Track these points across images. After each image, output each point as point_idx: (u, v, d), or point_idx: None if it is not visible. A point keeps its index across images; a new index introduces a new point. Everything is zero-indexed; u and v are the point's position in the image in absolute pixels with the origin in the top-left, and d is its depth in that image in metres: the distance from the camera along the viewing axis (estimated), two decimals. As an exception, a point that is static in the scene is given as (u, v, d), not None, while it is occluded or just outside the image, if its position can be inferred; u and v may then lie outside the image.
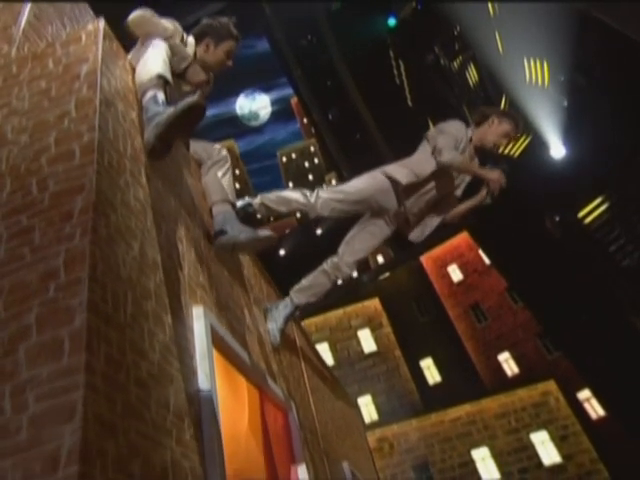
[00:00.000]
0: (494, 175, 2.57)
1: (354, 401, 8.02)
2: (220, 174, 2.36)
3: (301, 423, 2.76)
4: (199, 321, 1.71)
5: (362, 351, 20.12)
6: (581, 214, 13.21)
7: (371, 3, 28.00)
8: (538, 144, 14.28)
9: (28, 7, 2.06)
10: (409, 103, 30.56)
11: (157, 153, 1.67)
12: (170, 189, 1.93)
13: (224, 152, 2.43)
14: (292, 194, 2.69)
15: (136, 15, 1.94)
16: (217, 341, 1.85)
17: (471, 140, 2.79)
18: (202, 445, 1.37)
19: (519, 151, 15.88)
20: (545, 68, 14.36)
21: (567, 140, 13.48)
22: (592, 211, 12.91)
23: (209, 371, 1.65)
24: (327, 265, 2.79)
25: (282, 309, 2.75)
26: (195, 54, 2.21)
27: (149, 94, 1.74)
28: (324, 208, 2.63)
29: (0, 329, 1.08)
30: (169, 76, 1.82)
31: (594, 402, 17.14)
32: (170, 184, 1.96)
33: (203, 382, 1.58)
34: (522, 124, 2.88)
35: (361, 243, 2.79)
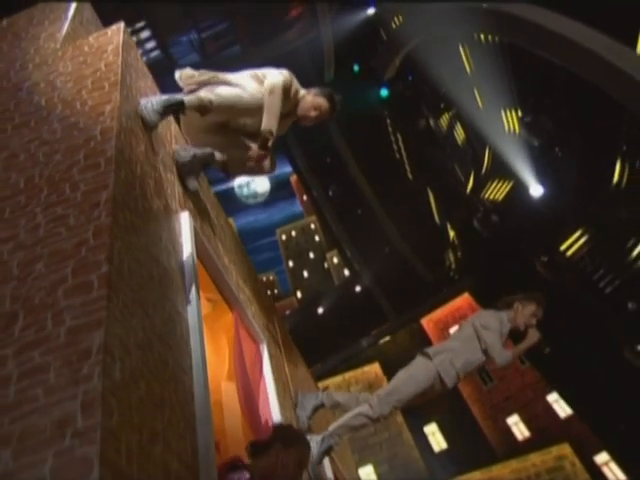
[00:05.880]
0: (535, 338, 3.16)
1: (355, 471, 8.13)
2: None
3: (273, 370, 3.31)
4: (185, 223, 2.40)
5: (362, 419, 19.81)
6: (563, 247, 14.07)
7: (362, 75, 29.43)
8: (519, 187, 15.53)
9: (67, 23, 2.99)
10: (409, 176, 31.44)
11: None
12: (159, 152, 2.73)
13: None
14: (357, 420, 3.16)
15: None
16: (200, 247, 2.50)
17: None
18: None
19: (502, 195, 17.09)
20: (520, 115, 15.97)
21: (543, 179, 14.73)
22: (573, 244, 13.79)
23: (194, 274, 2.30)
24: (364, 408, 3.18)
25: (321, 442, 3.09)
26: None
27: None
28: (385, 409, 3.13)
29: None
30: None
31: (613, 466, 16.76)
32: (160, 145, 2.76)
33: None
34: (543, 299, 3.28)
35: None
